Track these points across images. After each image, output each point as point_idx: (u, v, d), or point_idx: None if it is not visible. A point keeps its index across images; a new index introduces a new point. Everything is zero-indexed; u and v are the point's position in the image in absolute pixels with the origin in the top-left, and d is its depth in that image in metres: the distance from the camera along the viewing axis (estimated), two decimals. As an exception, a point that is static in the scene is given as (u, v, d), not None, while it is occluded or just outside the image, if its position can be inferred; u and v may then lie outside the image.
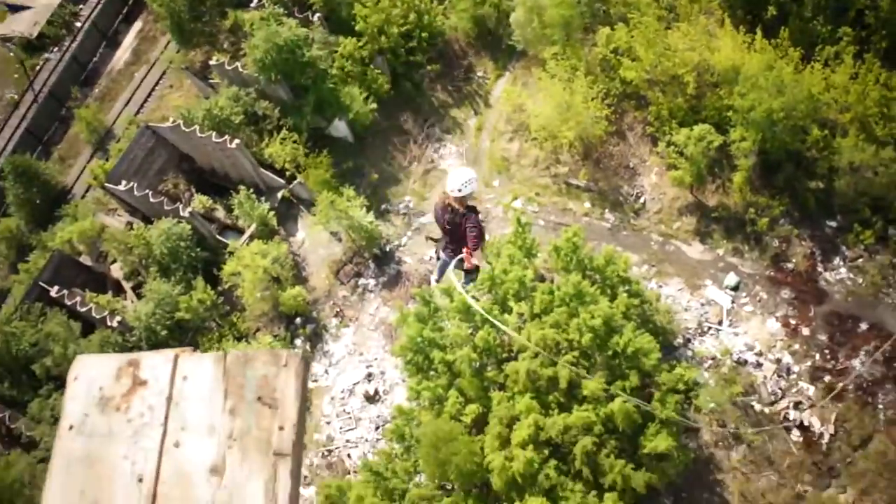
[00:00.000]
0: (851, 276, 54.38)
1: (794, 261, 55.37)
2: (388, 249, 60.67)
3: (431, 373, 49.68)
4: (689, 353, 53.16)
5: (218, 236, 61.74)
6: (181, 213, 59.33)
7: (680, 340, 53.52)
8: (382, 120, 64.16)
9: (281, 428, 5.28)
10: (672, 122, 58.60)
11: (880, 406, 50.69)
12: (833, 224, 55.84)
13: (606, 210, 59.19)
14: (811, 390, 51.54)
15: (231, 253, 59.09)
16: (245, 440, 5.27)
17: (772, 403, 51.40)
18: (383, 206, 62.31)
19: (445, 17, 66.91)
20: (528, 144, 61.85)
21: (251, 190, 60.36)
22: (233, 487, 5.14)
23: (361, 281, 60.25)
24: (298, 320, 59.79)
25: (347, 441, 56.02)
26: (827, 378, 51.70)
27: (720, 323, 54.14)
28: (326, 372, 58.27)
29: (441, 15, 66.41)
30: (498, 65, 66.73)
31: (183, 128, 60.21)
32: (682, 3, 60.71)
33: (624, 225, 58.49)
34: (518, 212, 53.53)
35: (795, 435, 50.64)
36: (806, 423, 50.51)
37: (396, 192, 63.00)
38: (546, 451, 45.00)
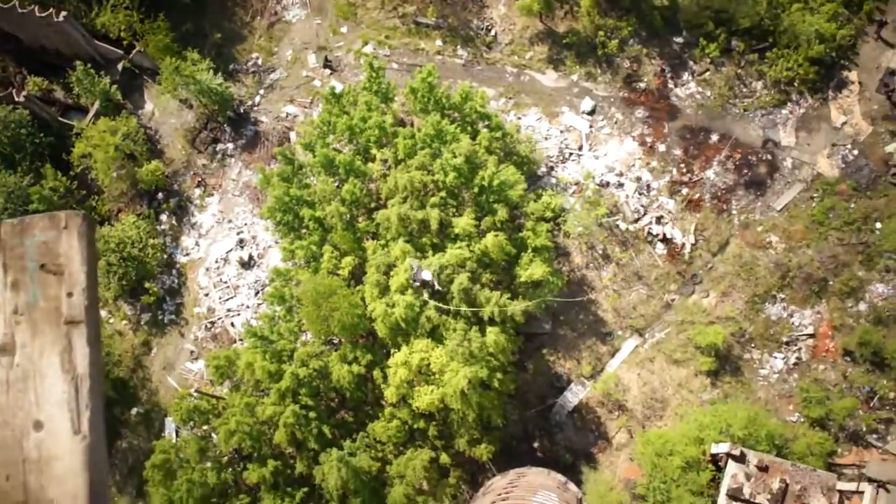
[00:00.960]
0: (700, 89, 55.96)
1: (645, 80, 56.46)
2: (242, 111, 58.67)
3: (303, 231, 49.34)
4: (554, 180, 54.25)
5: (61, 118, 58.27)
6: (16, 99, 55.61)
7: (543, 169, 54.45)
8: (218, -27, 60.72)
9: (70, 294, 4.91)
10: (517, -51, 57.64)
11: (734, 212, 53.41)
12: (680, 40, 56.86)
13: (458, 46, 58.46)
14: (671, 204, 53.72)
15: (78, 134, 56.09)
16: (33, 313, 4.88)
17: (635, 221, 53.42)
18: (231, 66, 59.76)
19: None
20: (373, -14, 59.89)
21: (88, 65, 56.64)
22: (26, 364, 4.77)
23: (219, 146, 58.34)
24: (160, 195, 57.87)
25: (229, 310, 55.65)
26: (684, 191, 53.90)
27: (580, 148, 55.20)
28: (197, 244, 57.05)
29: None
30: None
31: (0, 4, 55.49)
32: None
33: (477, 60, 58.05)
34: (370, 57, 52.33)
35: (660, 248, 53.06)
36: (668, 236, 52.87)
37: (242, 50, 60.39)
38: (425, 293, 45.82)
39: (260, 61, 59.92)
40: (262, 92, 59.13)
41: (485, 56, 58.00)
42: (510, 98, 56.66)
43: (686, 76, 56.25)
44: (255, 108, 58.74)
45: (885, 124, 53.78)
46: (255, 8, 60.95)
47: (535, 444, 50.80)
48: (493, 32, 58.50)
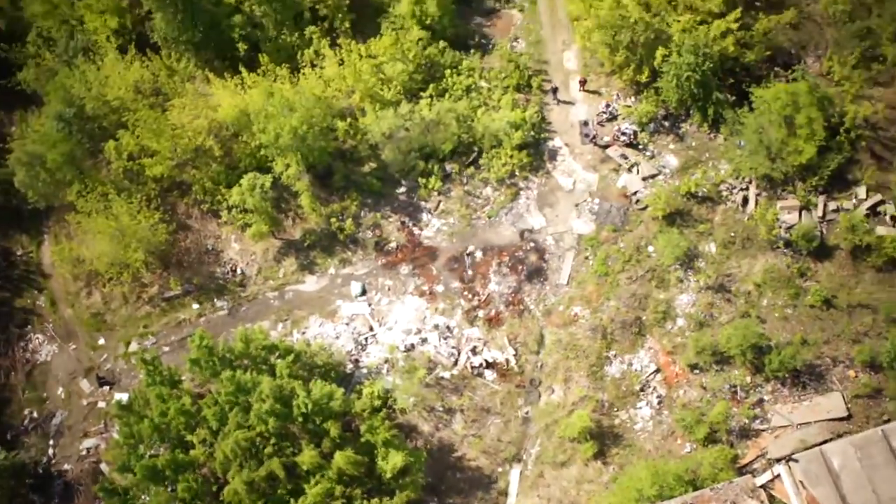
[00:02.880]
0: (443, 221, 58.41)
1: (393, 238, 58.28)
2: (40, 471, 54.90)
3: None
4: (364, 370, 54.14)
5: None
6: None
7: (350, 366, 54.33)
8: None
9: None
10: (220, 188, 58.78)
11: (532, 307, 55.28)
12: (403, 189, 59.44)
13: (215, 299, 58.28)
14: (475, 332, 54.86)
15: None
16: None
17: (455, 364, 54.00)
18: (8, 434, 56.15)
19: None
20: (108, 287, 58.80)
21: None
22: None
23: (35, 518, 54.17)
24: None
25: None
26: (480, 313, 55.31)
27: (371, 329, 55.68)
28: None
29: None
30: (32, 234, 62.42)
31: None
32: (163, 80, 60.74)
33: (238, 302, 57.98)
34: (139, 353, 51.23)
35: (489, 375, 53.73)
36: (490, 360, 53.71)
37: (13, 413, 57.09)
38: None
39: (35, 414, 56.83)
40: (51, 442, 55.84)
41: (243, 295, 58.08)
42: (285, 319, 56.67)
43: (425, 216, 58.60)
44: (54, 461, 55.23)
45: (605, 166, 58.16)
46: (4, 367, 58.10)
47: None
48: (239, 271, 58.85)
